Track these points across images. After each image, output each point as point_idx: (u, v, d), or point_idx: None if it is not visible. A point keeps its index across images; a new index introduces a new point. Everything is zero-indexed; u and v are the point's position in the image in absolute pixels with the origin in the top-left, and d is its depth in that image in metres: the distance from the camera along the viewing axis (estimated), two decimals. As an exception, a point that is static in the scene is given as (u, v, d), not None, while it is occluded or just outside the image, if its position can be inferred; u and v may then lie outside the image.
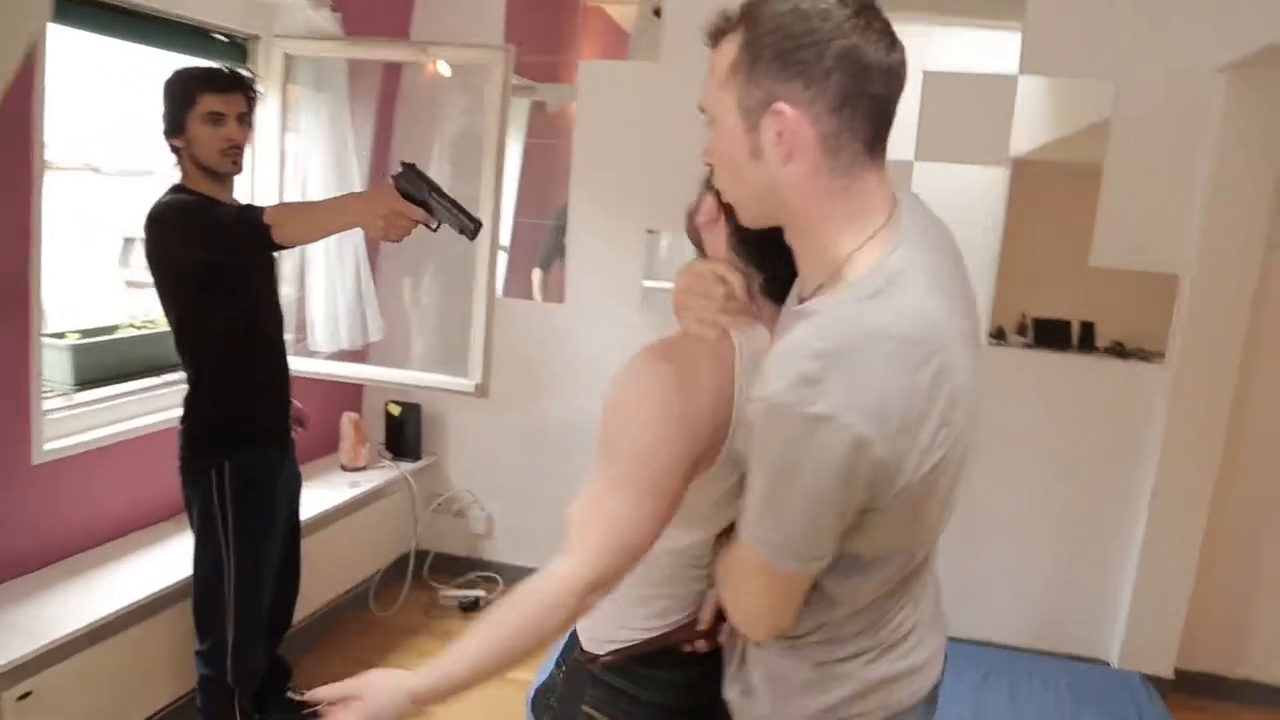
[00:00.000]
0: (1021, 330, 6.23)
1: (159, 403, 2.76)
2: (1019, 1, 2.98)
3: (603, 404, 1.14)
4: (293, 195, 3.08)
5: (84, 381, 2.63)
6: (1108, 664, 3.11)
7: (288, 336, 3.11)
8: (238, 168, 2.18)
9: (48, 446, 2.35)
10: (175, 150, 2.15)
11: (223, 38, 2.86)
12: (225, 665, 2.22)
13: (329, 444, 3.49)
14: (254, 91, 2.20)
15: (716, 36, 1.02)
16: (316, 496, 3.04)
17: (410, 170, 1.98)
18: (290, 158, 3.07)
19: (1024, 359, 3.16)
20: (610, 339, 3.41)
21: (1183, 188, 2.89)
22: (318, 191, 3.09)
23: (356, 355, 3.45)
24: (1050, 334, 6.12)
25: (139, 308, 3.02)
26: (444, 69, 3.72)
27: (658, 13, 4.26)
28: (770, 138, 0.95)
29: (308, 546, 2.66)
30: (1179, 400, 2.93)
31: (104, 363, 2.69)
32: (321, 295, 3.19)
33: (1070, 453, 3.12)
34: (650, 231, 3.35)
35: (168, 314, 2.18)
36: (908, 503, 0.96)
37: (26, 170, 2.19)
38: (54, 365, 2.51)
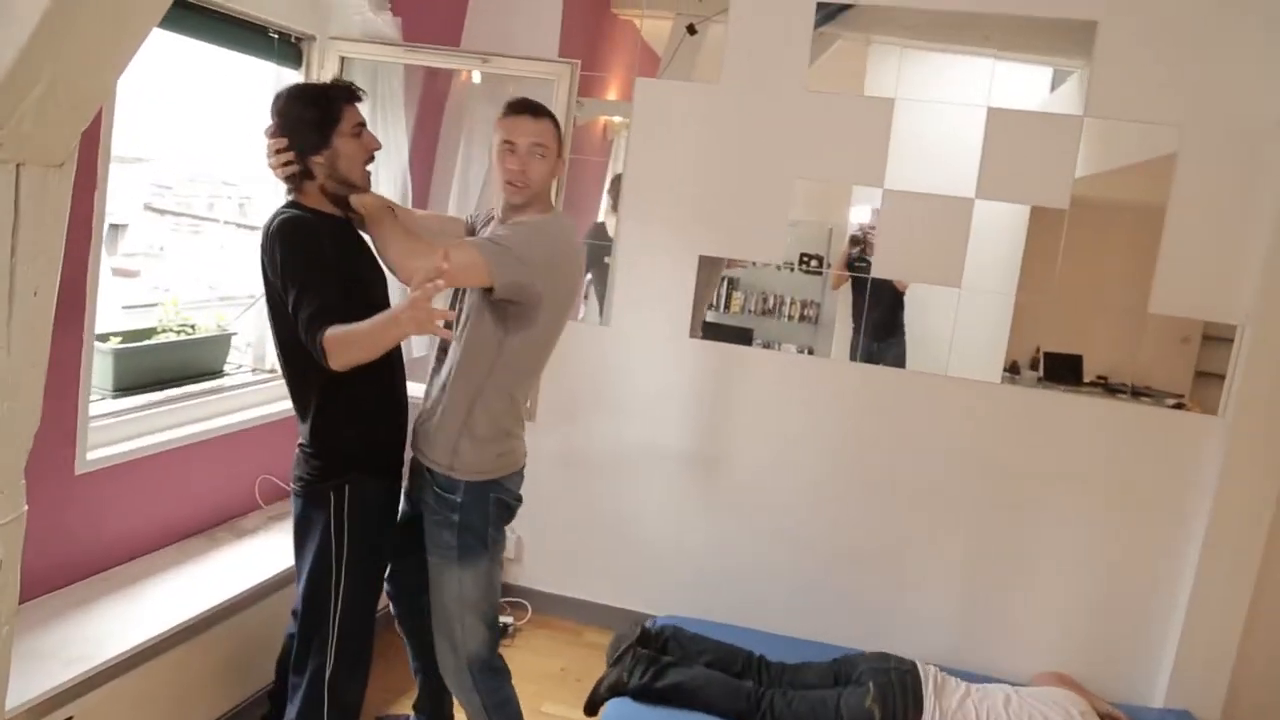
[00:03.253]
0: (1034, 364, 6.24)
1: (197, 411, 2.66)
2: (1086, 43, 2.98)
3: None
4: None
5: (123, 387, 2.52)
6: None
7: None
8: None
9: (91, 455, 2.25)
10: (307, 170, 2.02)
11: (275, 35, 2.77)
12: (322, 697, 2.09)
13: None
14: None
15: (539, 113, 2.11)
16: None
17: None
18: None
19: (1072, 402, 3.12)
20: (657, 366, 3.35)
21: (1244, 237, 2.88)
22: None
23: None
24: (1059, 368, 6.16)
25: (128, 297, 2.90)
26: (476, 77, 3.66)
27: (692, 30, 4.24)
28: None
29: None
30: (1235, 452, 2.91)
31: (144, 368, 2.59)
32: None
33: (1117, 496, 3.08)
34: (709, 258, 3.29)
35: (278, 333, 2.03)
36: None
37: (91, 167, 2.09)
38: (95, 370, 2.40)
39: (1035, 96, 3.21)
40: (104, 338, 2.48)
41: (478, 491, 2.11)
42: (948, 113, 3.14)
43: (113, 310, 2.73)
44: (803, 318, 3.46)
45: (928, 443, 3.19)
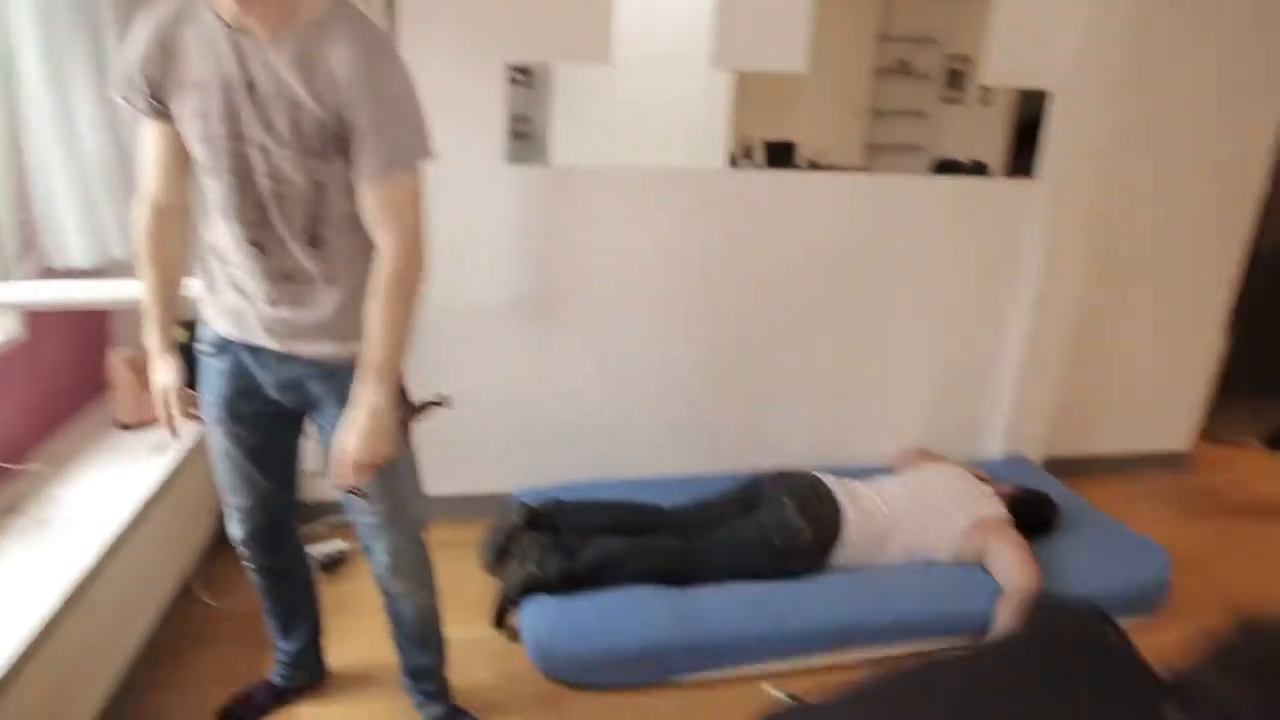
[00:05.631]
0: (748, 154, 6.37)
1: None
2: None
3: None
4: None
5: None
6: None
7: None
8: None
9: None
10: None
11: None
12: None
13: (82, 393, 2.46)
14: None
15: None
16: (120, 485, 2.12)
17: None
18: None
19: (917, 185, 3.03)
20: (466, 204, 2.70)
21: (1064, 5, 2.87)
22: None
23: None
24: (779, 156, 6.33)
25: None
26: None
27: None
28: None
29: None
30: (1058, 212, 3.06)
31: None
32: (75, 186, 2.12)
33: (949, 270, 3.16)
34: (519, 71, 2.62)
35: None
36: None
37: None
38: None
39: None
40: None
41: None
42: None
43: None
44: (517, 135, 2.81)
45: (764, 244, 3.01)
